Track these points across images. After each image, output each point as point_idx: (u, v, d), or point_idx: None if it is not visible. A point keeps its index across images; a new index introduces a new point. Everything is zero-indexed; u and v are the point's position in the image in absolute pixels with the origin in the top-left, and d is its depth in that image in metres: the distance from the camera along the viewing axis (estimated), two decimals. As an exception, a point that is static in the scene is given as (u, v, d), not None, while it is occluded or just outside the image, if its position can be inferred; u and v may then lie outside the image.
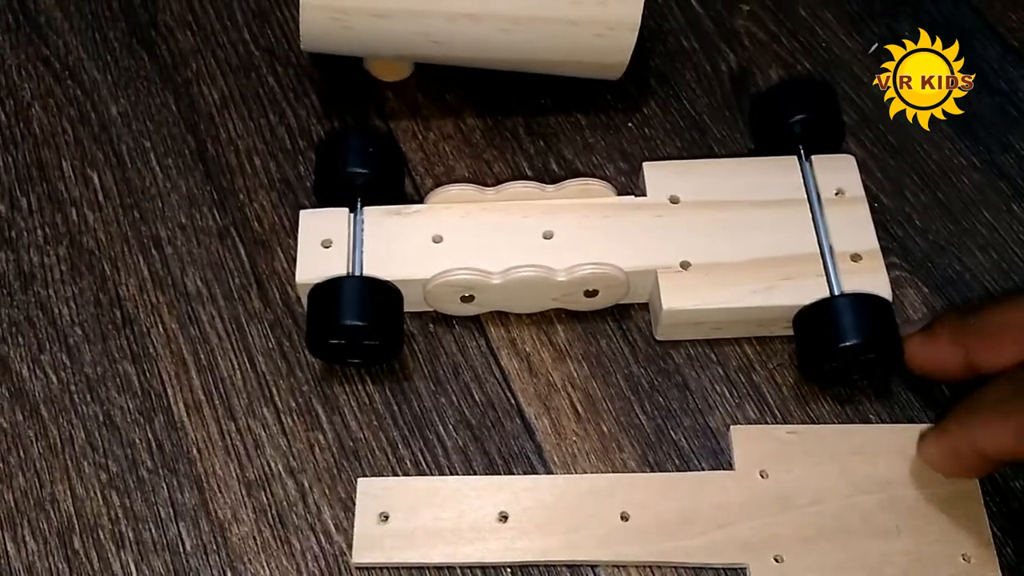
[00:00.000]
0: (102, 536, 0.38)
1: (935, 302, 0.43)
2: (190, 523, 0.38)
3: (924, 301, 0.43)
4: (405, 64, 0.47)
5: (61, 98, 0.48)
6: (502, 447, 0.40)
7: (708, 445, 0.40)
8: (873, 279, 0.40)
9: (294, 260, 0.40)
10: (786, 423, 0.40)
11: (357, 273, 0.40)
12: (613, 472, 0.39)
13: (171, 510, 0.38)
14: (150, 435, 0.40)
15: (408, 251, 0.40)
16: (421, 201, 0.42)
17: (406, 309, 0.40)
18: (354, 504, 0.38)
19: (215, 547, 0.38)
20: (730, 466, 0.39)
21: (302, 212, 0.41)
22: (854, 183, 0.42)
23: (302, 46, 0.43)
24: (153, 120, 0.47)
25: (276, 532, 0.38)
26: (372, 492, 0.38)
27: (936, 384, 0.40)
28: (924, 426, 0.39)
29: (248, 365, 0.41)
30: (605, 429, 0.40)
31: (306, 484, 0.39)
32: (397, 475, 0.39)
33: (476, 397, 0.41)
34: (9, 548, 0.38)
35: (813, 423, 0.40)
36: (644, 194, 0.42)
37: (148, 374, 0.41)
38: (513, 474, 0.39)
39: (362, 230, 0.41)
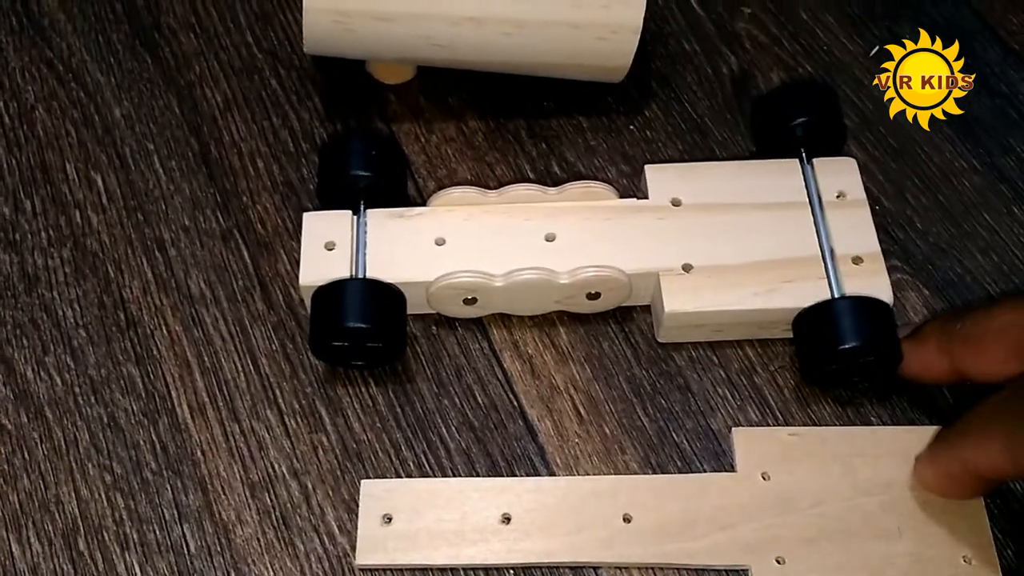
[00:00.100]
0: (107, 537, 0.38)
1: (936, 304, 0.43)
2: (194, 524, 0.38)
3: (925, 303, 0.43)
4: (407, 67, 0.48)
5: (65, 101, 0.48)
6: (505, 449, 0.40)
7: (710, 447, 0.40)
8: (874, 282, 0.40)
9: (297, 262, 0.41)
10: (788, 425, 0.40)
11: (360, 275, 0.40)
12: (615, 474, 0.39)
13: (175, 511, 0.39)
14: (154, 437, 0.40)
15: (411, 254, 0.41)
16: (424, 204, 0.43)
17: (409, 311, 0.41)
18: (357, 506, 0.38)
19: (219, 548, 0.38)
20: (732, 468, 0.39)
21: (305, 215, 0.41)
22: (855, 186, 0.42)
23: (305, 49, 0.43)
24: (156, 123, 0.47)
25: (280, 534, 0.38)
26: (375, 494, 0.38)
27: (937, 387, 0.41)
28: (925, 428, 0.39)
29: (252, 367, 0.41)
30: (607, 431, 0.40)
31: (310, 486, 0.39)
32: (400, 477, 0.39)
33: (479, 399, 0.41)
34: (14, 549, 0.38)
35: (815, 425, 0.40)
36: (646, 197, 0.42)
37: (152, 376, 0.41)
38: (516, 476, 0.39)
39: (365, 232, 0.41)
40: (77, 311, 0.43)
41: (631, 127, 0.47)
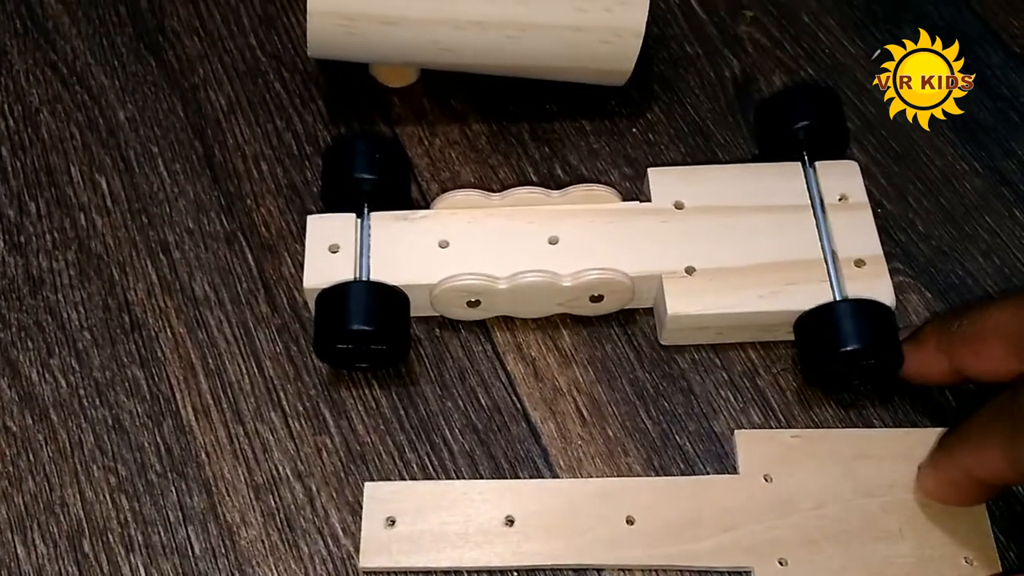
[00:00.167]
0: (111, 540, 0.38)
1: (938, 307, 0.43)
2: (199, 527, 0.38)
3: (927, 306, 0.43)
4: (411, 70, 0.48)
5: (69, 103, 0.48)
6: (508, 451, 0.40)
7: (713, 449, 0.40)
8: (876, 284, 0.40)
9: (301, 265, 0.41)
10: (790, 427, 0.40)
11: (364, 278, 0.40)
12: (618, 476, 0.39)
13: (180, 514, 0.39)
14: (159, 439, 0.40)
15: (415, 256, 0.41)
16: (427, 206, 0.43)
17: (413, 314, 0.41)
18: (361, 508, 0.38)
19: (224, 550, 0.38)
20: (734, 470, 0.39)
21: (309, 217, 0.42)
22: (858, 189, 0.42)
23: (309, 52, 0.43)
24: (160, 125, 0.47)
25: (284, 536, 0.38)
26: (379, 496, 0.38)
27: (939, 389, 0.41)
28: (925, 430, 0.39)
29: (256, 369, 0.41)
30: (610, 433, 0.40)
31: (314, 488, 0.39)
32: (404, 479, 0.39)
33: (482, 401, 0.41)
34: (19, 551, 0.38)
35: (817, 427, 0.40)
36: (649, 199, 0.42)
37: (156, 378, 0.41)
38: (519, 478, 0.39)
39: (369, 235, 0.41)
40: (82, 313, 0.43)
41: (634, 130, 0.47)
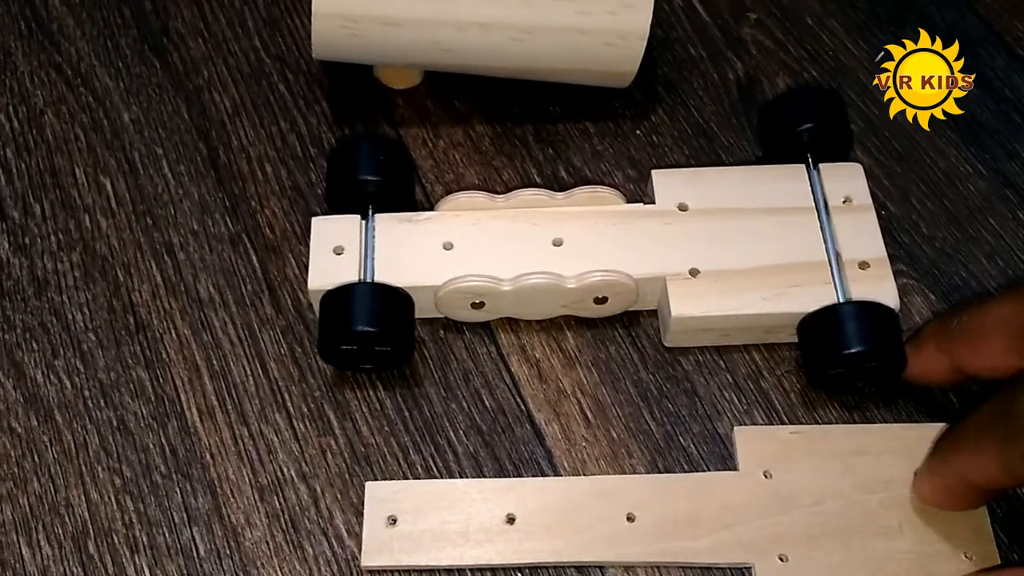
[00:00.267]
0: (116, 541, 0.38)
1: (941, 309, 0.43)
2: (203, 528, 0.38)
3: (931, 308, 0.43)
4: (415, 72, 0.48)
5: (74, 105, 0.48)
6: (512, 452, 0.40)
7: (716, 451, 0.40)
8: (880, 287, 0.40)
9: (305, 267, 0.41)
10: (793, 428, 0.40)
11: (368, 279, 0.40)
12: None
13: (184, 515, 0.39)
14: (163, 440, 0.40)
15: (419, 258, 0.41)
16: (431, 208, 0.43)
17: (417, 315, 0.41)
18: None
19: (228, 551, 0.38)
20: (735, 468, 0.39)
21: (314, 219, 0.42)
22: (862, 191, 0.42)
23: (313, 54, 0.43)
24: (165, 127, 0.48)
25: (288, 536, 0.38)
26: (380, 496, 0.38)
27: (943, 390, 0.41)
28: (923, 425, 0.39)
29: (260, 371, 0.42)
30: (614, 435, 0.40)
31: (318, 489, 0.39)
32: (408, 480, 0.39)
33: (486, 403, 0.41)
34: (24, 552, 0.38)
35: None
36: (653, 201, 0.42)
37: (161, 379, 0.41)
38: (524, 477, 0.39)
39: (373, 237, 0.41)
40: (86, 315, 0.43)
41: (637, 132, 0.47)
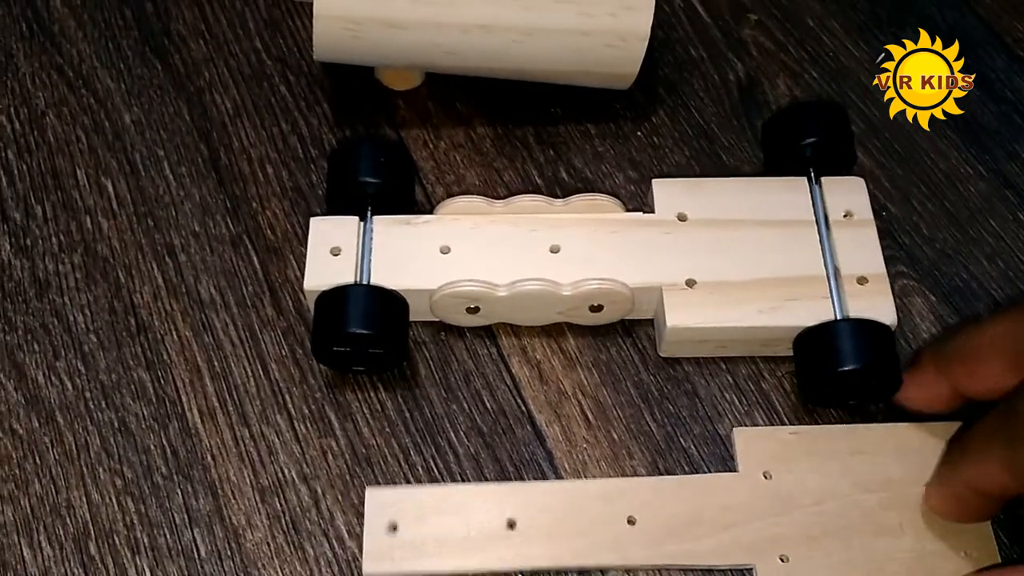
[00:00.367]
0: (117, 542, 0.38)
1: (942, 310, 0.43)
2: (204, 529, 0.39)
3: (931, 309, 0.43)
4: (416, 73, 0.48)
5: (75, 106, 0.48)
6: (513, 454, 0.40)
7: (717, 452, 0.40)
8: (878, 303, 0.40)
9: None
10: (793, 430, 0.40)
11: (365, 281, 0.40)
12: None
13: (186, 516, 0.39)
14: (165, 441, 0.40)
15: (416, 261, 0.41)
16: (431, 209, 0.43)
17: (414, 319, 0.41)
18: (367, 510, 0.38)
19: (229, 553, 0.38)
20: (734, 469, 0.39)
21: (312, 219, 0.42)
22: (863, 206, 0.42)
23: (315, 56, 0.43)
24: (166, 128, 0.48)
25: (289, 538, 0.38)
26: (380, 502, 0.38)
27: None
28: (922, 424, 0.39)
29: (261, 372, 0.42)
30: (615, 436, 0.40)
31: (319, 490, 0.39)
32: (409, 481, 0.39)
33: (487, 404, 0.41)
34: (25, 554, 0.38)
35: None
36: (652, 210, 0.42)
37: (162, 381, 0.41)
38: (524, 481, 0.39)
39: (371, 239, 0.41)
40: (88, 316, 0.43)
41: (638, 133, 0.47)
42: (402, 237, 0.41)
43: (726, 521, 0.38)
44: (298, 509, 0.39)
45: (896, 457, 0.39)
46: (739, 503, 0.38)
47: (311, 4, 0.41)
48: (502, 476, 0.39)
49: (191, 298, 0.43)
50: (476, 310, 0.41)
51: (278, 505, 0.39)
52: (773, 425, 0.40)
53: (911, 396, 0.38)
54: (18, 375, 0.42)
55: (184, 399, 0.41)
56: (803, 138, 0.42)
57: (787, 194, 0.42)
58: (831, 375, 0.38)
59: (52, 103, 0.48)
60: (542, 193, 0.43)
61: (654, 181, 0.43)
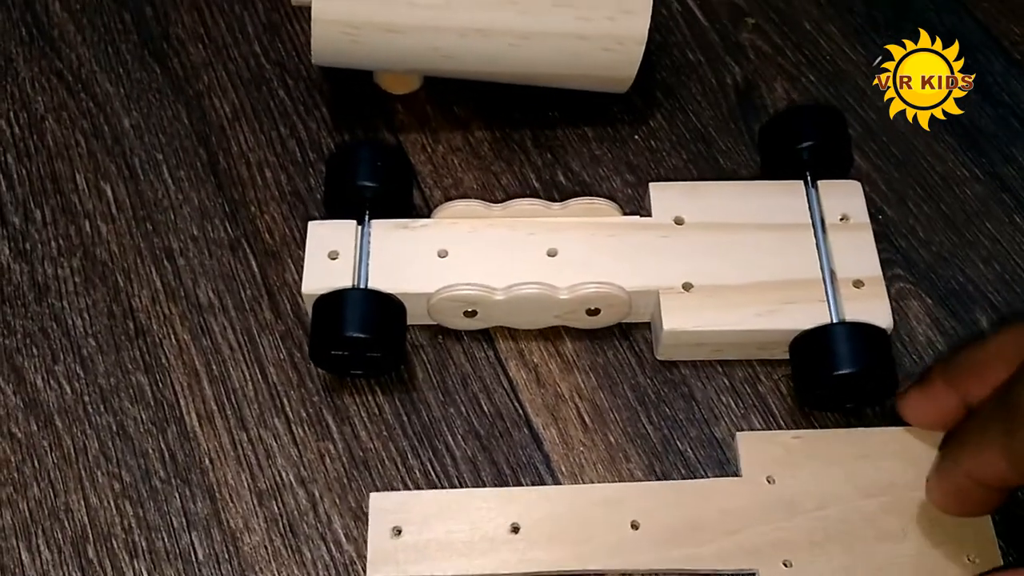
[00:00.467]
0: (116, 545, 0.38)
1: (938, 313, 0.43)
2: (202, 532, 0.39)
3: (927, 312, 0.43)
4: (414, 77, 0.48)
5: (74, 111, 0.48)
6: (510, 457, 0.40)
7: (714, 455, 0.40)
8: (874, 306, 0.40)
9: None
10: (791, 433, 0.40)
11: (362, 285, 0.40)
12: (620, 482, 0.39)
13: (184, 519, 0.39)
14: (163, 445, 0.40)
15: (413, 265, 0.41)
16: (430, 213, 0.43)
17: (412, 322, 0.41)
18: (364, 514, 0.38)
19: (227, 556, 0.38)
20: (736, 474, 0.39)
21: (310, 223, 0.42)
22: (859, 209, 0.42)
23: (313, 60, 0.43)
24: (165, 132, 0.48)
25: (287, 541, 0.38)
26: (385, 506, 0.38)
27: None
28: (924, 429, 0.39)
29: (260, 376, 0.42)
30: (612, 439, 0.40)
31: (317, 494, 0.39)
32: (406, 485, 0.39)
33: (484, 407, 0.41)
34: (24, 557, 0.38)
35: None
36: (649, 214, 0.42)
37: (161, 384, 0.42)
38: (521, 484, 0.39)
39: (369, 242, 0.41)
40: (86, 320, 0.43)
41: (636, 137, 0.48)
42: (400, 241, 0.41)
43: (729, 526, 0.38)
44: (296, 512, 0.39)
45: (899, 461, 0.38)
46: (742, 508, 0.38)
47: (310, 8, 0.41)
48: (499, 479, 0.40)
49: (189, 302, 0.43)
50: (473, 314, 0.41)
51: (276, 508, 0.39)
52: (769, 428, 0.40)
53: (921, 413, 0.38)
54: (17, 379, 0.42)
55: (182, 403, 0.41)
56: (800, 142, 0.43)
57: (784, 198, 0.42)
58: (827, 378, 0.38)
59: (51, 107, 0.49)
60: (539, 197, 0.43)
61: (651, 185, 0.43)
